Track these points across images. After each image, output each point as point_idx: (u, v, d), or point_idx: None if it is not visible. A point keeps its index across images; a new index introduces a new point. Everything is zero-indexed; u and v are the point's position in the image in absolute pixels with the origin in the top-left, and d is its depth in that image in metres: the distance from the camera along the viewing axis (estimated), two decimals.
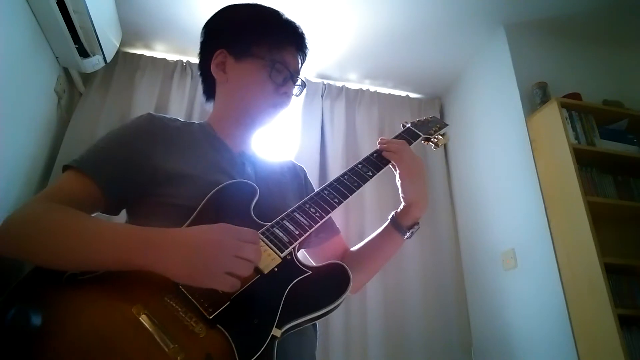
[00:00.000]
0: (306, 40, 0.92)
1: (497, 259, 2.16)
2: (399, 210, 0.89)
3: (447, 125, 1.08)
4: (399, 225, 0.87)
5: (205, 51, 0.91)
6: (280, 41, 0.86)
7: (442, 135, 1.04)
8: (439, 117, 1.10)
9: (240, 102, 0.88)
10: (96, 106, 2.30)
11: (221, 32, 0.89)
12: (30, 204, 0.68)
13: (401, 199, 0.88)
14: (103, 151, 0.76)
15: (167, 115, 0.88)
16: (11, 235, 0.62)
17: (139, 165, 0.75)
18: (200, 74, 0.95)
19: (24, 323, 0.52)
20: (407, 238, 0.88)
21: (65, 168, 0.74)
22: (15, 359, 0.51)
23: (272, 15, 0.89)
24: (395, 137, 0.95)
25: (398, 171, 0.87)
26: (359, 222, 2.33)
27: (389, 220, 0.90)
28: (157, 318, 0.55)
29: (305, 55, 0.93)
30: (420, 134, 0.98)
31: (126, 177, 0.74)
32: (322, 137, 2.55)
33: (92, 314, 0.55)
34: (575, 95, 2.05)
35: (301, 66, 0.93)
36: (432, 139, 1.02)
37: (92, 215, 0.73)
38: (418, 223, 0.88)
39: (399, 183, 0.87)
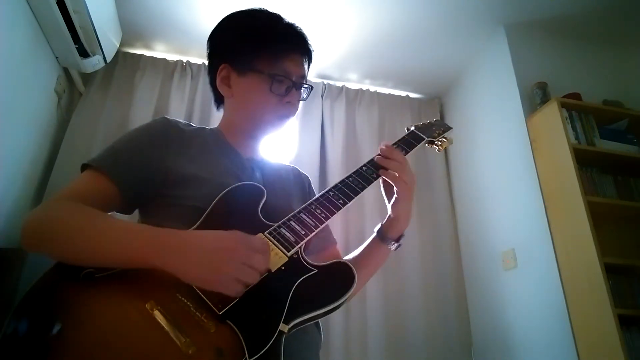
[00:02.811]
0: (309, 42, 0.91)
1: (497, 259, 2.17)
2: (385, 223, 0.90)
3: (450, 128, 1.09)
4: (386, 238, 0.89)
5: (211, 65, 0.93)
6: (280, 50, 0.86)
7: (446, 138, 1.05)
8: (442, 121, 1.12)
9: (247, 116, 0.90)
10: (96, 106, 2.30)
11: (222, 47, 0.90)
12: (50, 203, 0.72)
13: (389, 212, 0.89)
14: (120, 152, 0.79)
15: (181, 120, 0.91)
16: (32, 234, 0.67)
17: (153, 167, 0.78)
18: (210, 84, 0.96)
19: (44, 317, 0.56)
20: (394, 249, 0.90)
21: (84, 168, 0.77)
22: (35, 351, 0.53)
23: (271, 23, 0.88)
24: (399, 141, 0.95)
25: (396, 189, 0.86)
26: (359, 223, 2.33)
27: (376, 233, 0.91)
28: (170, 313, 0.58)
29: (310, 57, 0.93)
30: (424, 137, 0.99)
31: (141, 178, 0.77)
32: (322, 137, 2.55)
33: (108, 310, 0.58)
34: (575, 95, 2.06)
35: (308, 68, 0.93)
36: (435, 142, 1.03)
37: (108, 214, 0.76)
38: (403, 235, 0.90)
39: (390, 199, 0.87)
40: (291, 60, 0.87)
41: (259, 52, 0.85)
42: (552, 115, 1.95)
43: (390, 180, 0.84)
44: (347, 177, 0.84)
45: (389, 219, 0.90)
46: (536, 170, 1.99)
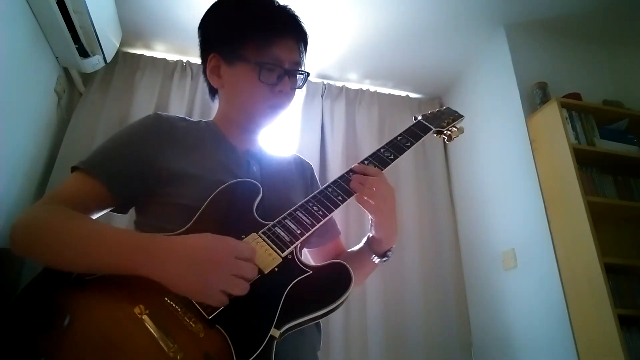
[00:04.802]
0: (302, 26, 0.85)
1: (497, 259, 2.16)
2: (372, 237, 0.85)
3: (462, 117, 1.02)
4: (374, 252, 0.84)
5: (202, 55, 0.89)
6: (269, 36, 0.80)
7: (457, 127, 0.98)
8: (453, 109, 1.04)
9: (238, 107, 0.85)
10: (96, 106, 2.30)
11: (211, 35, 0.86)
12: (37, 206, 0.70)
13: (372, 232, 0.84)
14: (110, 151, 0.77)
15: (174, 115, 0.88)
16: (19, 238, 0.66)
17: (145, 165, 0.75)
18: (204, 76, 0.91)
19: (33, 322, 0.55)
20: (383, 262, 0.86)
21: (73, 169, 0.75)
22: (24, 356, 0.53)
23: (261, 7, 0.82)
24: (405, 131, 0.90)
25: (371, 217, 0.81)
26: (359, 223, 2.33)
27: (364, 244, 0.87)
28: (158, 318, 0.57)
29: (306, 41, 0.86)
30: (431, 127, 0.93)
31: (132, 177, 0.75)
32: (322, 137, 2.55)
33: (97, 314, 0.57)
34: (575, 95, 2.05)
35: (304, 53, 0.87)
36: (444, 132, 0.96)
37: (101, 214, 0.75)
38: (391, 249, 0.85)
39: (370, 220, 0.82)
40: (282, 46, 0.80)
41: (246, 39, 0.79)
42: (552, 115, 1.95)
43: (363, 204, 0.79)
44: (346, 172, 0.80)
45: (374, 236, 0.84)
46: (536, 170, 1.99)
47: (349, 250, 0.94)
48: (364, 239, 0.87)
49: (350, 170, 0.80)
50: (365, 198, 0.78)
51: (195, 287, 0.57)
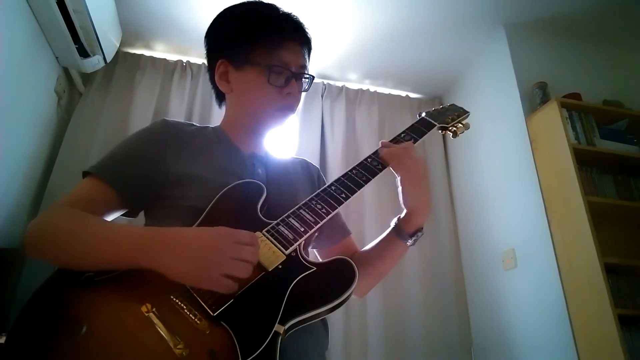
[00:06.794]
0: (307, 31, 0.88)
1: (497, 259, 2.16)
2: (401, 216, 0.85)
3: (467, 113, 1.01)
4: (401, 233, 0.84)
5: (210, 62, 0.91)
6: (276, 40, 0.83)
7: (462, 123, 0.97)
8: (458, 106, 1.04)
9: (247, 111, 0.88)
10: (96, 106, 2.30)
11: (219, 42, 0.89)
12: (50, 210, 0.73)
13: (402, 206, 0.84)
14: (119, 157, 0.80)
15: (182, 121, 0.90)
16: (33, 240, 0.68)
17: (152, 170, 0.78)
18: (210, 81, 0.94)
19: (44, 322, 0.57)
20: (410, 245, 0.85)
21: (85, 174, 0.77)
22: (35, 355, 0.54)
23: (266, 14, 0.86)
24: (408, 129, 0.91)
25: (398, 176, 0.83)
26: (359, 223, 2.33)
27: (392, 226, 0.86)
28: (164, 316, 0.58)
29: (310, 46, 0.89)
30: (435, 123, 0.93)
31: (141, 182, 0.77)
32: (322, 137, 2.55)
33: (104, 314, 0.58)
34: (575, 95, 2.06)
35: (308, 57, 0.89)
36: (450, 128, 0.96)
37: (112, 217, 0.77)
38: (421, 229, 0.85)
39: (399, 188, 0.83)
40: (289, 49, 0.83)
41: (255, 43, 0.82)
42: (552, 115, 1.95)
43: (392, 168, 0.81)
44: (350, 170, 0.81)
45: (404, 212, 0.85)
46: (536, 170, 1.99)
47: (371, 244, 0.93)
48: (393, 221, 0.86)
49: (354, 167, 0.82)
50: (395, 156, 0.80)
51: (195, 272, 0.58)
